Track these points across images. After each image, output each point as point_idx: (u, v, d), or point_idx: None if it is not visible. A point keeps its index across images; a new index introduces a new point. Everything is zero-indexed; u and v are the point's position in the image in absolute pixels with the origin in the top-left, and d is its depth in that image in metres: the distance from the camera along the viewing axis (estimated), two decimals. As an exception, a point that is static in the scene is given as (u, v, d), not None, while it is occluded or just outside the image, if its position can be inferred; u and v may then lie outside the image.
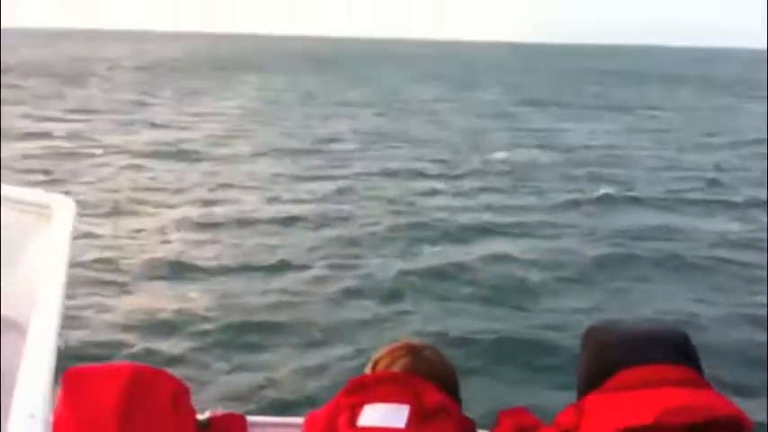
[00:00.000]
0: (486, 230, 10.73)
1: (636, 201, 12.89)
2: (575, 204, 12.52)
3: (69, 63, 38.56)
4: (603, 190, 13.36)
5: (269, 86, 32.63)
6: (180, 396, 1.45)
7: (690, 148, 19.25)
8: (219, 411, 1.82)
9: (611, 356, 1.34)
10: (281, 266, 8.87)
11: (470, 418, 1.53)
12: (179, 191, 13.00)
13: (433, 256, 9.42)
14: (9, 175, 11.98)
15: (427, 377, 1.50)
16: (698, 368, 1.33)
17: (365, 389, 1.47)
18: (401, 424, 1.38)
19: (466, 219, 11.37)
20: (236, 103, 26.42)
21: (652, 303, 7.83)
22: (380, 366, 1.58)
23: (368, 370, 1.60)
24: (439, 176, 14.81)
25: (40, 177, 13.47)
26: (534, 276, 8.61)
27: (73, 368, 1.40)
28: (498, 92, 32.81)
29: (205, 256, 9.20)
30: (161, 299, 7.72)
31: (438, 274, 8.69)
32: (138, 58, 42.78)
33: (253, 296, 7.87)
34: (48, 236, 1.40)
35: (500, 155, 17.38)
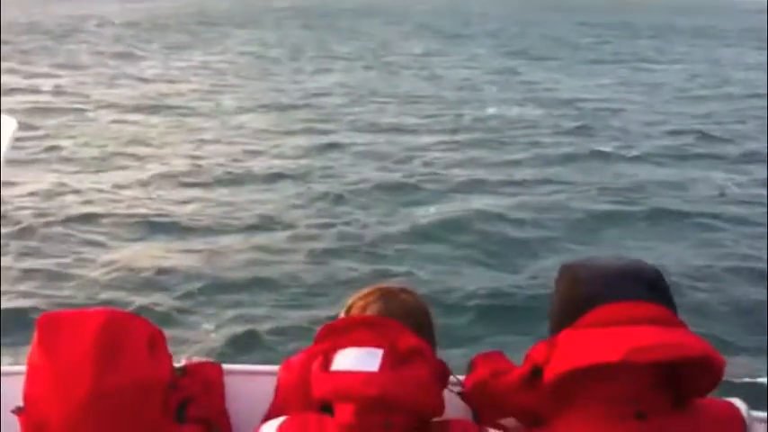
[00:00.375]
0: (477, 187, 10.59)
1: (632, 157, 12.66)
2: (569, 159, 12.35)
3: (59, 21, 38.02)
4: (597, 146, 13.17)
5: (258, 41, 32.05)
6: (156, 340, 1.43)
7: (686, 101, 19.02)
8: (195, 359, 1.85)
9: (585, 292, 1.34)
10: (265, 223, 8.76)
11: (444, 362, 1.51)
12: (164, 145, 12.82)
13: (421, 213, 9.30)
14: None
15: (401, 320, 1.47)
16: (671, 306, 1.34)
17: (338, 334, 1.46)
18: (375, 367, 1.38)
19: (456, 175, 11.19)
20: (223, 58, 26.03)
21: (649, 259, 7.74)
22: (354, 311, 1.57)
23: (342, 315, 1.58)
24: (429, 132, 14.59)
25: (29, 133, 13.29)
26: (527, 233, 8.53)
27: (47, 313, 1.39)
28: (490, 45, 32.31)
29: (188, 212, 9.08)
30: (143, 257, 7.63)
31: (427, 231, 8.59)
32: (128, 15, 42.12)
33: (236, 254, 7.78)
34: None
35: (492, 110, 17.18)
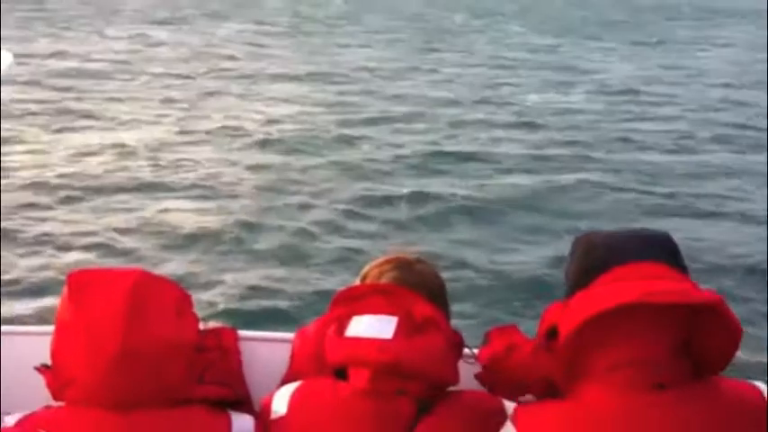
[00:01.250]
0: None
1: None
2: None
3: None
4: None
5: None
6: (184, 303, 1.46)
7: (749, 85, 17.75)
8: (211, 324, 1.87)
9: (600, 255, 1.36)
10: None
11: (459, 332, 1.51)
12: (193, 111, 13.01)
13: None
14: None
15: (416, 289, 1.48)
16: (684, 268, 1.37)
17: (353, 300, 1.47)
18: (389, 335, 1.39)
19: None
20: (259, 28, 26.04)
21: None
22: (369, 279, 1.57)
23: (357, 283, 1.59)
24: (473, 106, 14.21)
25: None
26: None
27: (77, 271, 1.40)
28: (528, 23, 31.56)
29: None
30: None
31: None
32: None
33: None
34: None
35: (533, 97, 15.64)
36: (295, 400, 1.42)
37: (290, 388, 1.46)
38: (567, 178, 9.68)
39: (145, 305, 1.36)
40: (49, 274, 6.21)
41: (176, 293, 1.45)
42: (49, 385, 1.38)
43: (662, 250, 1.37)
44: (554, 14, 33.32)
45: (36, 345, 1.48)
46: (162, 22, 25.63)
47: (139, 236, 7.25)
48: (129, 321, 1.33)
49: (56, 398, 1.38)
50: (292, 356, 1.66)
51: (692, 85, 18.37)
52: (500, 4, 36.38)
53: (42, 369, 1.39)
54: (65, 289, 1.38)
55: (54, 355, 1.37)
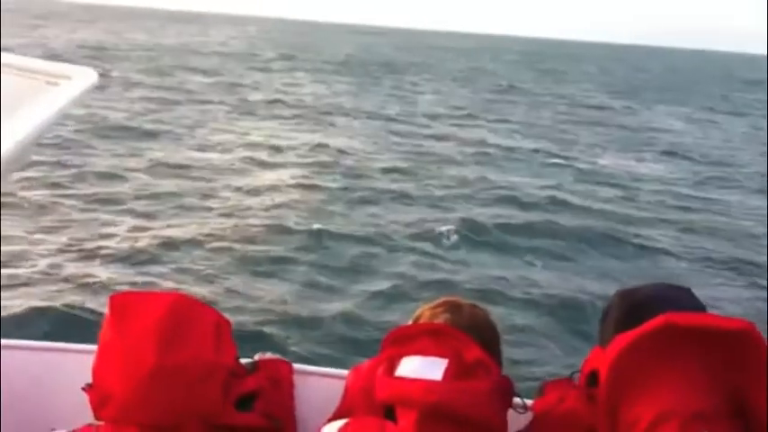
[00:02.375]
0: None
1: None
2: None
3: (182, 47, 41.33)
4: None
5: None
6: (222, 328, 1.48)
7: None
8: (268, 356, 1.89)
9: (639, 304, 1.38)
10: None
11: (509, 379, 1.48)
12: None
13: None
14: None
15: (468, 332, 1.47)
16: None
17: (405, 340, 1.47)
18: (438, 376, 1.38)
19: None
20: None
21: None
22: (422, 321, 1.57)
23: (410, 323, 1.59)
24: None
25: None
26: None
27: (119, 294, 1.45)
28: (597, 88, 31.41)
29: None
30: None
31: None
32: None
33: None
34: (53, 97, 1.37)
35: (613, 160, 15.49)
36: None
37: (337, 425, 1.45)
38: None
39: (181, 327, 1.39)
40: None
41: (214, 318, 1.48)
42: (91, 403, 1.42)
43: (699, 302, 1.39)
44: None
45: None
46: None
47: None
48: (165, 340, 1.36)
49: (97, 416, 1.42)
50: (345, 393, 1.66)
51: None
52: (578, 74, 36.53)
53: (85, 388, 1.44)
54: (107, 311, 1.43)
55: (95, 373, 1.41)
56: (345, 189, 11.42)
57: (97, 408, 1.41)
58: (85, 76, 1.46)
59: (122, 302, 1.43)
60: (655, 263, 9.19)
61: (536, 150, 16.45)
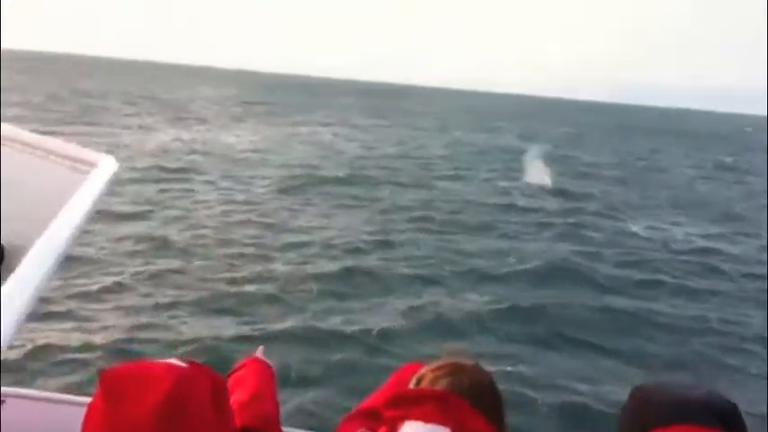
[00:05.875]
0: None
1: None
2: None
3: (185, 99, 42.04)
4: None
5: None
6: (219, 393, 1.41)
7: None
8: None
9: (654, 414, 1.31)
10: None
11: None
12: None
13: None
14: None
15: (470, 399, 1.44)
16: None
17: (407, 404, 1.43)
18: None
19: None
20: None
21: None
22: (424, 383, 1.54)
23: (412, 385, 1.56)
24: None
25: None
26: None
27: (110, 369, 1.34)
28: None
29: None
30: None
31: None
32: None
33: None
34: (85, 188, 1.36)
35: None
36: None
37: None
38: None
39: (179, 408, 1.31)
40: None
41: (213, 385, 1.40)
42: None
43: (723, 420, 1.27)
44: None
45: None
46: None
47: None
48: (165, 426, 1.28)
49: None
50: None
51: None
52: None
53: None
54: (98, 387, 1.32)
55: None
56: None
57: None
58: (108, 165, 1.45)
59: (115, 381, 1.33)
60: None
61: None
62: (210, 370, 1.42)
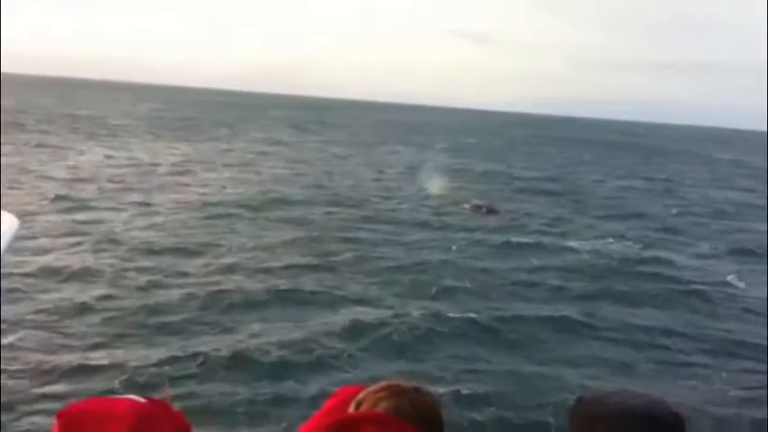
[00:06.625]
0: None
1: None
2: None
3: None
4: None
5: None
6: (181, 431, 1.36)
7: None
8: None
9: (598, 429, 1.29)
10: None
11: None
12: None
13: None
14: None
15: (412, 422, 1.41)
16: None
17: (348, 429, 1.39)
18: None
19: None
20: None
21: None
22: (364, 406, 1.50)
23: (351, 409, 1.52)
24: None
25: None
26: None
27: (68, 409, 1.29)
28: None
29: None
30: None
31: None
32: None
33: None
34: None
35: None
36: None
37: None
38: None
39: None
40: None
41: (173, 422, 1.36)
42: None
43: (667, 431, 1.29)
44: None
45: None
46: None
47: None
48: None
49: None
50: None
51: None
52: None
53: None
54: (55, 429, 1.26)
55: None
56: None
57: None
58: (9, 223, 1.41)
59: (74, 421, 1.27)
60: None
61: None
62: (169, 406, 1.38)
